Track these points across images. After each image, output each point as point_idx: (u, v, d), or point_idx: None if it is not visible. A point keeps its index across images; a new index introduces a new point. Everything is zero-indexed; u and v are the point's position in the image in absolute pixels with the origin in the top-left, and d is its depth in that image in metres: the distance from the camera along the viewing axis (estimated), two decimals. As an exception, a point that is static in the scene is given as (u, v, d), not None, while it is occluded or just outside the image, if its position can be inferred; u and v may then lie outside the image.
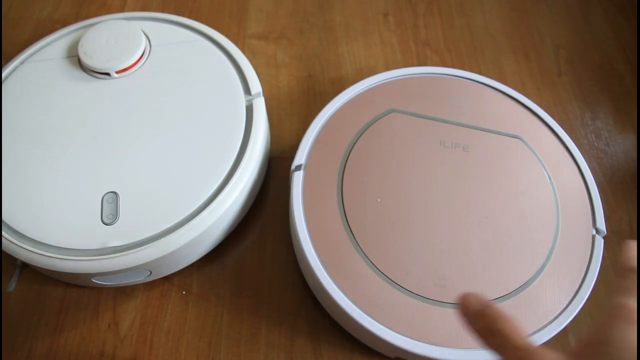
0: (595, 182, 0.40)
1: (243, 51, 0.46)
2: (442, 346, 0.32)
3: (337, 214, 0.37)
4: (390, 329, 0.33)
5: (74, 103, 0.41)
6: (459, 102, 0.43)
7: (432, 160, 0.40)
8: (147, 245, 0.34)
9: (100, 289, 0.40)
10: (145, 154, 0.38)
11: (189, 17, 0.49)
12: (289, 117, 0.50)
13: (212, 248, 0.40)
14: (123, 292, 0.40)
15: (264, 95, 0.42)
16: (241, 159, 0.38)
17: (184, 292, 0.40)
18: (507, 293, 0.34)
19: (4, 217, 0.36)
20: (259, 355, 0.38)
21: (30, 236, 0.35)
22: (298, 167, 0.39)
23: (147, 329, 0.39)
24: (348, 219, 0.37)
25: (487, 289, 0.34)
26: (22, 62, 0.43)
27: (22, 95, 0.41)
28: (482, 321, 0.22)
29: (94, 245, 0.35)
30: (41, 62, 0.43)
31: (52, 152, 0.38)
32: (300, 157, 0.40)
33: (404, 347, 0.32)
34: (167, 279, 0.41)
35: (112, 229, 0.35)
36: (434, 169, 0.39)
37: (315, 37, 0.56)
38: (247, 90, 0.42)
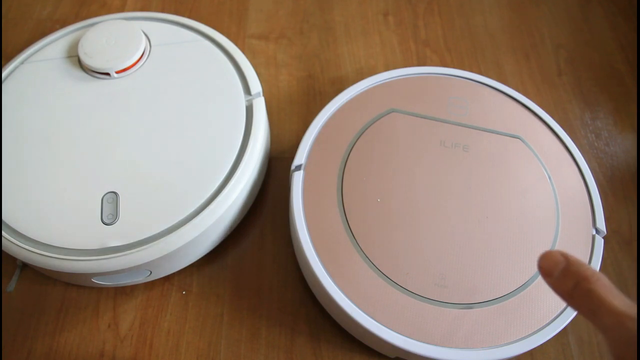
0: (595, 182, 0.40)
1: (243, 51, 0.46)
2: (442, 346, 0.32)
3: (337, 214, 0.37)
4: (390, 329, 0.33)
5: (74, 103, 0.41)
6: (459, 102, 0.43)
7: (432, 160, 0.40)
8: (147, 245, 0.34)
9: (100, 289, 0.40)
10: (145, 154, 0.38)
11: (189, 17, 0.49)
12: (289, 117, 0.50)
13: (212, 248, 0.40)
14: (123, 292, 0.40)
15: (264, 95, 0.42)
16: (241, 159, 0.38)
17: (184, 292, 0.40)
18: (507, 293, 0.34)
19: (4, 217, 0.36)
20: (259, 355, 0.38)
21: (30, 236, 0.35)
22: (298, 167, 0.39)
23: (147, 329, 0.39)
24: (348, 219, 0.37)
25: (487, 289, 0.34)
26: (22, 62, 0.43)
27: (22, 95, 0.41)
28: (569, 281, 0.19)
29: (94, 245, 0.35)
30: (41, 62, 0.43)
31: (52, 152, 0.38)
32: (300, 157, 0.40)
33: (404, 347, 0.32)
34: (167, 279, 0.41)
35: (112, 229, 0.35)
36: (434, 169, 0.39)
37: (315, 37, 0.56)
38: (247, 90, 0.42)
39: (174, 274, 0.40)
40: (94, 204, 0.36)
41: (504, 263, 0.35)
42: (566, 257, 0.20)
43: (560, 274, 0.19)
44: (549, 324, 0.34)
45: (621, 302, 0.17)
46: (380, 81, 0.45)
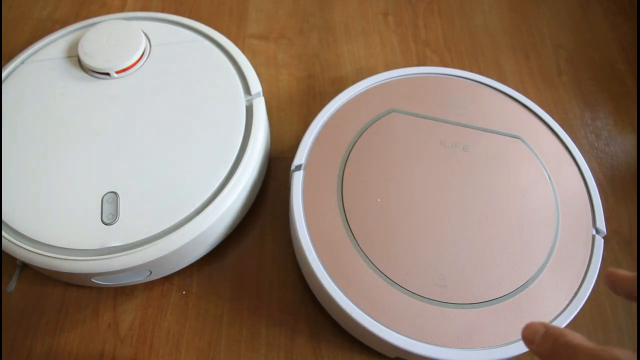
0: (595, 182, 0.40)
1: (243, 51, 0.46)
2: (442, 346, 0.32)
3: (337, 214, 0.37)
4: (390, 329, 0.33)
5: (74, 103, 0.41)
6: (459, 102, 0.43)
7: (432, 160, 0.40)
8: (147, 245, 0.34)
9: (100, 289, 0.40)
10: (145, 153, 0.38)
11: (189, 17, 0.49)
12: (289, 117, 0.50)
13: (212, 248, 0.40)
14: (123, 292, 0.40)
15: (264, 95, 0.42)
16: (241, 159, 0.38)
17: (184, 292, 0.40)
18: (507, 293, 0.34)
19: (4, 217, 0.36)
20: (259, 355, 0.38)
21: (30, 236, 0.35)
22: (298, 167, 0.39)
23: (147, 329, 0.39)
24: (348, 219, 0.37)
25: (487, 289, 0.34)
26: (22, 62, 0.43)
27: (22, 95, 0.41)
28: (549, 341, 0.22)
29: (94, 245, 0.35)
30: (41, 62, 0.43)
31: (52, 152, 0.38)
32: (300, 157, 0.40)
33: (404, 347, 0.32)
34: (167, 279, 0.41)
35: (112, 229, 0.35)
36: (434, 169, 0.39)
37: (315, 37, 0.56)
38: (247, 90, 0.42)
39: (174, 274, 0.40)
40: (94, 204, 0.36)
41: (504, 263, 0.35)
42: (545, 325, 0.23)
43: (541, 339, 0.23)
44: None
45: (594, 344, 0.21)
46: (380, 81, 0.45)
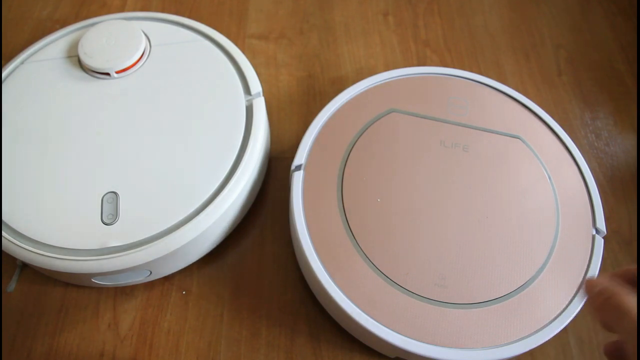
0: (595, 182, 0.40)
1: (243, 51, 0.46)
2: (442, 346, 0.32)
3: (337, 214, 0.37)
4: (390, 329, 0.33)
5: (74, 103, 0.41)
6: (459, 102, 0.43)
7: (432, 160, 0.40)
8: (147, 245, 0.34)
9: (100, 289, 0.40)
10: (145, 154, 0.38)
11: (189, 17, 0.49)
12: (289, 117, 0.50)
13: (212, 248, 0.40)
14: (123, 292, 0.40)
15: (264, 95, 0.42)
16: (241, 159, 0.38)
17: (184, 292, 0.40)
18: (507, 293, 0.34)
19: (4, 217, 0.36)
20: (259, 355, 0.38)
21: (30, 236, 0.35)
22: (298, 167, 0.39)
23: (147, 329, 0.39)
24: (348, 219, 0.37)
25: (487, 289, 0.34)
26: (22, 62, 0.43)
27: (22, 95, 0.41)
28: (602, 296, 0.22)
29: (94, 245, 0.35)
30: (41, 62, 0.43)
31: (52, 152, 0.38)
32: (300, 157, 0.40)
33: (404, 347, 0.32)
34: (167, 279, 0.41)
35: (112, 229, 0.35)
36: (434, 169, 0.39)
37: (315, 37, 0.56)
38: (247, 90, 0.42)
39: (174, 274, 0.40)
40: (94, 204, 0.36)
41: (504, 263, 0.35)
42: (606, 282, 0.23)
43: (596, 293, 0.23)
44: (549, 324, 0.34)
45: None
46: (380, 81, 0.45)
